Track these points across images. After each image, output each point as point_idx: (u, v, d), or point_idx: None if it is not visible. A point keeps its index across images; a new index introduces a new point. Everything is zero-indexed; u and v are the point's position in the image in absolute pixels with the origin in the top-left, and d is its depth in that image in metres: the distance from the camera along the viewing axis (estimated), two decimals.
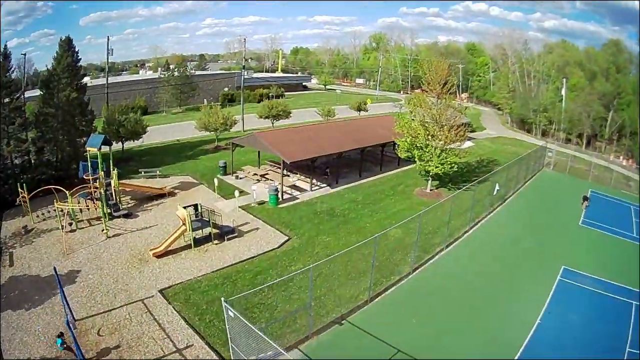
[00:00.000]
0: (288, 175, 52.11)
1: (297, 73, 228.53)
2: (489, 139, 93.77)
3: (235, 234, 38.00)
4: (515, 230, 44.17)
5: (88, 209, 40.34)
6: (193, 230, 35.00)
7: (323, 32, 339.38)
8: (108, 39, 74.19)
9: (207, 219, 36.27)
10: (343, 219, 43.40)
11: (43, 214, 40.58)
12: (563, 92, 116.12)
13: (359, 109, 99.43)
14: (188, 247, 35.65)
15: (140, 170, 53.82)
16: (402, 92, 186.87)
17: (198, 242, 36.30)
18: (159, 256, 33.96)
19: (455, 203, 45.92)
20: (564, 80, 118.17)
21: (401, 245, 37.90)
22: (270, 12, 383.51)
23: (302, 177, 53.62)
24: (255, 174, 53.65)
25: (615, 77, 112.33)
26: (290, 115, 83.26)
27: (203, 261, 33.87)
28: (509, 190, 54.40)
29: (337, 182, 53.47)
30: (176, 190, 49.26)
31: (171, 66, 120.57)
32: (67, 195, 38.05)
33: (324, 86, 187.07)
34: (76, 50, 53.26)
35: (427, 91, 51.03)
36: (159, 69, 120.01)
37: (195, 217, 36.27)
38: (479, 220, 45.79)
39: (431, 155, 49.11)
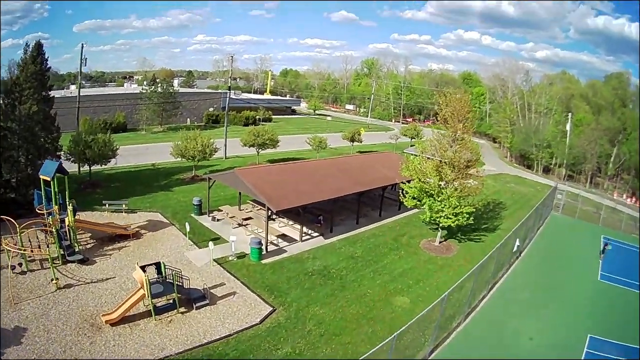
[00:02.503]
0: (273, 220, 44.32)
1: (285, 96, 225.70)
2: (490, 177, 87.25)
3: (207, 301, 30.48)
4: (536, 295, 37.94)
5: (32, 251, 33.36)
6: (153, 296, 27.68)
7: (313, 55, 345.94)
8: (82, 47, 66.54)
9: (170, 281, 28.71)
10: (340, 282, 35.99)
11: None
12: (568, 127, 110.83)
13: (352, 140, 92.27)
14: (148, 313, 28.60)
15: (104, 202, 46.68)
16: (393, 121, 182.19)
17: (160, 309, 29.13)
18: (114, 324, 27.30)
19: (466, 259, 42.10)
20: (569, 115, 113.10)
21: (411, 319, 29.96)
22: (262, 32, 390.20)
23: (290, 223, 46.36)
24: (233, 217, 46.38)
25: (621, 111, 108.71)
26: (278, 144, 75.47)
27: (166, 336, 26.84)
28: (523, 241, 47.81)
29: (332, 231, 46.12)
30: (142, 231, 41.94)
31: (157, 80, 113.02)
32: (17, 229, 32.97)
33: (313, 111, 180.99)
34: (46, 57, 47.25)
35: (443, 128, 43.83)
36: (144, 82, 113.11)
37: (157, 279, 28.65)
38: (496, 282, 39.10)
39: (444, 205, 42.06)
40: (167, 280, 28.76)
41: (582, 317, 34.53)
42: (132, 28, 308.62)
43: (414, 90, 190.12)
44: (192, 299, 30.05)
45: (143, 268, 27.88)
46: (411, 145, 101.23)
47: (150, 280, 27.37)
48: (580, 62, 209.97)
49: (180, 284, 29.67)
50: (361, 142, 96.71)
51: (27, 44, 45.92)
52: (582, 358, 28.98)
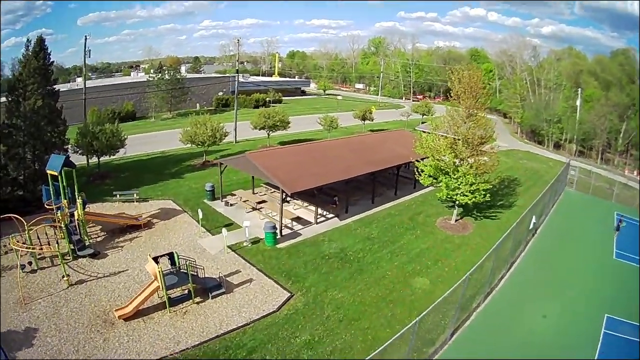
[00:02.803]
0: (288, 202, 43.29)
1: (294, 77, 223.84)
2: (502, 153, 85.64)
3: (223, 290, 29.66)
4: (552, 273, 36.91)
5: (42, 249, 32.53)
6: (167, 288, 26.84)
7: (320, 35, 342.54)
8: (85, 39, 65.69)
9: (185, 271, 27.89)
10: (357, 265, 35.05)
11: (5, 245, 33.86)
12: (578, 102, 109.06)
13: (363, 118, 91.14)
14: (162, 305, 27.85)
15: (115, 192, 46.06)
16: (404, 98, 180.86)
17: (175, 301, 28.35)
18: (127, 318, 26.47)
19: (482, 237, 41.25)
20: (579, 90, 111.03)
21: (431, 301, 28.81)
22: (268, 15, 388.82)
23: (304, 205, 45.50)
24: (247, 201, 45.56)
25: (630, 87, 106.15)
26: (289, 125, 74.39)
27: (181, 328, 26.06)
28: (539, 218, 46.58)
29: (347, 212, 45.15)
30: (154, 220, 41.20)
31: (163, 67, 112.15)
32: (25, 227, 32.17)
33: (323, 91, 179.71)
34: (49, 51, 46.29)
35: (456, 104, 42.66)
36: (151, 70, 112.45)
37: (171, 269, 27.81)
38: (514, 261, 37.97)
39: (460, 183, 41.03)
40: (181, 270, 28.01)
41: (599, 296, 33.47)
42: (137, 18, 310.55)
43: (423, 67, 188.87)
44: (208, 288, 29.29)
45: (156, 259, 27.14)
46: (422, 122, 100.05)
47: (164, 272, 26.54)
48: (585, 38, 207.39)
49: (195, 273, 28.87)
50: (373, 120, 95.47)
51: (28, 40, 45.24)
52: (600, 339, 28.13)
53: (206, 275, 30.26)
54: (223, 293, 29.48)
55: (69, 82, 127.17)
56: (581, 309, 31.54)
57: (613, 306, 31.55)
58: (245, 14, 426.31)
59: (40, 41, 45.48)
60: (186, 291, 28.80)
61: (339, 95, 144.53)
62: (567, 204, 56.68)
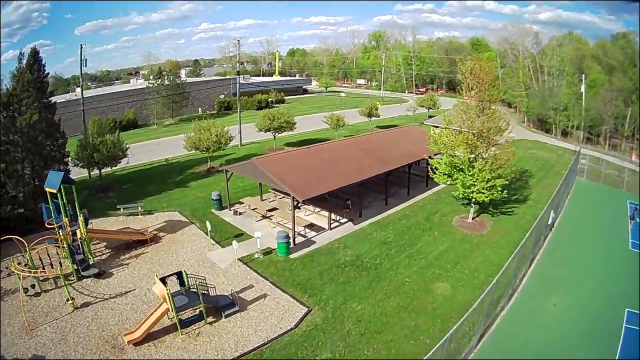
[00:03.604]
0: (299, 208, 41.39)
1: (295, 76, 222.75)
2: (511, 143, 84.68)
3: (236, 308, 28.03)
4: (571, 268, 35.56)
5: (44, 271, 31.12)
6: (177, 310, 25.25)
7: (319, 32, 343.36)
8: (81, 48, 64.33)
9: (195, 290, 26.27)
10: (375, 272, 33.40)
11: (7, 267, 32.64)
12: (583, 88, 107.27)
13: (369, 115, 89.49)
14: (174, 327, 26.20)
15: (119, 206, 44.38)
16: (406, 92, 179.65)
17: (186, 322, 26.73)
18: (137, 343, 24.90)
19: (500, 234, 40.25)
20: (583, 76, 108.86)
21: (453, 308, 28.91)
22: (265, 15, 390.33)
23: (316, 211, 43.87)
24: (256, 209, 43.97)
25: (632, 71, 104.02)
26: (295, 126, 72.72)
27: (195, 352, 24.45)
28: (556, 212, 45.47)
29: (361, 215, 43.46)
30: (161, 234, 39.64)
31: (163, 73, 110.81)
32: (27, 248, 30.47)
33: (325, 89, 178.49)
34: (43, 63, 45.11)
35: (467, 97, 41.12)
36: (151, 77, 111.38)
37: (180, 290, 26.23)
38: (533, 258, 36.47)
39: (475, 180, 39.47)
40: (191, 289, 26.44)
41: (618, 290, 32.19)
42: (134, 24, 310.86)
43: (424, 59, 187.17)
44: (220, 306, 27.67)
45: (163, 280, 25.57)
46: (429, 117, 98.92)
47: (173, 293, 24.99)
48: (583, 23, 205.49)
49: (206, 292, 27.31)
50: (379, 116, 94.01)
51: (21, 52, 43.94)
52: (622, 334, 27.07)
53: (218, 293, 28.67)
54: (237, 311, 27.89)
55: (68, 92, 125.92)
56: (601, 304, 30.55)
57: (632, 299, 30.53)
58: (243, 15, 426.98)
59: (35, 53, 44.38)
60: (197, 311, 27.16)
61: (342, 92, 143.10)
62: (580, 194, 55.32)
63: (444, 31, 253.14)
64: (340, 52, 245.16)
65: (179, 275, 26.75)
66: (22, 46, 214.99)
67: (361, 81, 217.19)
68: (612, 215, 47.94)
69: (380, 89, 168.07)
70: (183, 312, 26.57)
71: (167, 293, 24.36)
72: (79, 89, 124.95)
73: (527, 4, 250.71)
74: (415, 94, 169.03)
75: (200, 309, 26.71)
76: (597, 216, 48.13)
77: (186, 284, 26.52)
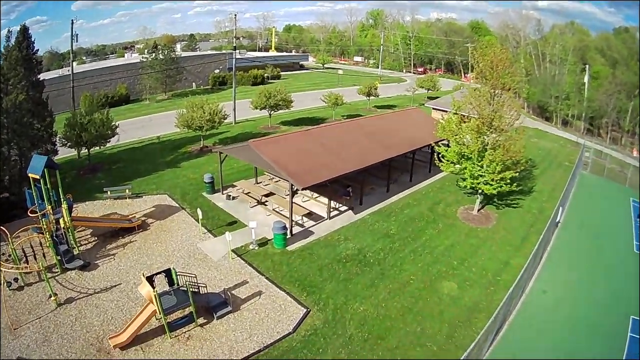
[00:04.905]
0: (296, 193, 38.99)
1: (291, 51, 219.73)
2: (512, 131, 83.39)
3: (229, 308, 25.89)
4: (578, 271, 34.14)
5: (27, 266, 28.94)
6: (166, 312, 23.08)
7: (316, 9, 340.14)
8: (72, 23, 61.86)
9: (184, 288, 24.01)
10: (378, 268, 31.30)
11: None
12: (586, 79, 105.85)
13: (368, 94, 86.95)
14: (162, 329, 24.18)
15: (105, 189, 41.96)
16: (404, 71, 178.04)
17: (176, 325, 24.59)
18: (124, 347, 22.96)
19: (507, 229, 38.76)
20: (587, 67, 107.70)
21: (461, 310, 27.30)
22: None
23: (314, 197, 41.70)
24: (250, 193, 41.82)
25: (636, 65, 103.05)
26: (292, 105, 70.12)
27: (185, 358, 22.54)
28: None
29: (361, 203, 41.27)
30: (149, 220, 37.30)
31: (158, 47, 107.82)
32: (9, 239, 28.83)
33: (322, 65, 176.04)
34: (32, 40, 43.14)
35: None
36: (146, 51, 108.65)
37: (167, 291, 23.81)
38: (541, 257, 34.77)
39: (485, 171, 37.52)
40: (180, 288, 24.14)
41: (623, 296, 30.74)
42: None
43: (423, 40, 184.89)
44: (212, 306, 25.58)
45: (150, 279, 23.35)
46: (428, 97, 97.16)
47: (160, 293, 22.72)
48: (582, 13, 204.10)
49: (197, 290, 25.22)
50: (378, 96, 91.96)
51: (9, 30, 42.26)
52: (627, 343, 26.00)
53: (209, 291, 26.60)
54: (230, 312, 25.77)
55: (62, 67, 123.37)
56: (606, 310, 29.29)
57: (637, 307, 29.28)
58: None
59: (24, 30, 42.41)
60: (187, 311, 24.96)
61: (339, 69, 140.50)
62: (584, 189, 53.83)
63: (441, 12, 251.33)
64: (338, 30, 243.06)
65: (167, 273, 24.44)
66: (19, 23, 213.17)
67: (358, 58, 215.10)
68: (616, 213, 46.80)
69: (378, 67, 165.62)
70: (172, 312, 24.37)
71: (154, 295, 22.14)
72: (74, 63, 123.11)
73: None
74: (413, 73, 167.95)
75: (191, 310, 24.48)
76: (602, 214, 46.85)
77: (175, 282, 24.22)
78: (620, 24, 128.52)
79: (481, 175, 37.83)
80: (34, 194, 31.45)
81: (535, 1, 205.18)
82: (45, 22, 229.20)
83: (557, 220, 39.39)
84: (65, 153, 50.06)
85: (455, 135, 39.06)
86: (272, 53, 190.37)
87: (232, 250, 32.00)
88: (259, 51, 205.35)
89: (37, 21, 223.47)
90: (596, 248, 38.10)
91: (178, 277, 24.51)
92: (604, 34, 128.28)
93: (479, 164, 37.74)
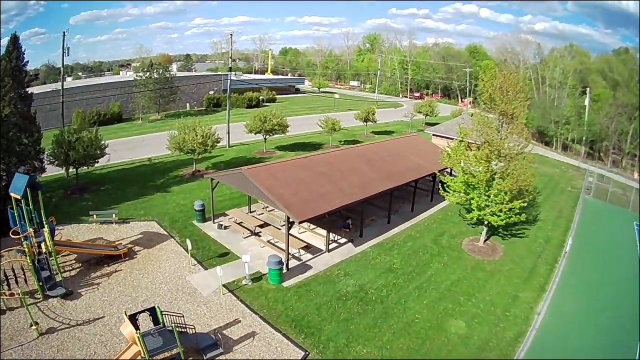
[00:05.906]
0: (291, 224, 36.85)
1: (287, 74, 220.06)
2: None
3: (220, 350, 23.59)
4: (588, 301, 33.23)
5: (6, 292, 27.10)
6: (151, 354, 20.68)
7: (312, 33, 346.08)
8: (64, 36, 59.81)
9: (170, 328, 21.68)
10: (382, 307, 29.11)
11: None
12: (587, 102, 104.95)
13: (366, 120, 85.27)
14: None
15: (91, 212, 39.73)
16: (401, 96, 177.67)
17: None
18: None
19: (514, 261, 37.40)
20: (587, 90, 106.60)
21: (470, 351, 25.51)
22: (259, 13, 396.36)
23: (311, 228, 39.48)
24: (242, 223, 39.63)
25: (636, 87, 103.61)
26: (288, 130, 68.31)
27: None
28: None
29: (362, 235, 39.13)
30: (136, 248, 35.11)
31: (153, 65, 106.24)
32: None
33: (318, 89, 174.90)
34: (22, 51, 41.85)
35: (487, 109, 37.28)
36: (142, 69, 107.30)
37: (151, 331, 21.31)
38: (549, 289, 33.41)
39: (491, 201, 35.98)
40: (167, 328, 21.84)
41: (631, 323, 29.37)
42: (128, 16, 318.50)
43: (419, 64, 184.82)
44: (202, 348, 23.32)
45: (133, 318, 21.06)
46: (426, 124, 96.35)
47: (144, 333, 20.44)
48: (579, 35, 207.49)
49: (184, 329, 23.01)
50: (375, 122, 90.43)
51: None
52: None
53: (199, 331, 24.32)
54: (221, 354, 23.46)
55: (57, 81, 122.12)
56: (616, 339, 28.67)
57: None
58: (237, 12, 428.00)
59: (14, 40, 41.16)
60: (174, 351, 22.59)
61: (335, 93, 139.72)
62: (589, 214, 52.66)
63: (438, 37, 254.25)
64: (334, 54, 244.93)
65: (151, 311, 22.16)
66: (17, 33, 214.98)
67: (354, 83, 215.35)
68: (621, 239, 46.19)
69: (374, 92, 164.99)
70: (158, 355, 21.96)
71: (138, 336, 19.87)
72: (69, 78, 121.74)
73: (522, 13, 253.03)
74: (410, 98, 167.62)
75: (178, 351, 22.16)
76: (608, 241, 45.90)
77: (161, 322, 21.93)
78: (618, 45, 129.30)
79: (487, 206, 36.13)
80: (15, 214, 29.70)
81: (532, 25, 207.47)
82: (43, 34, 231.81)
83: (566, 249, 38.79)
84: (53, 171, 48.24)
85: (462, 164, 37.12)
86: (268, 76, 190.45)
87: (224, 285, 29.70)
88: (255, 74, 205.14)
89: (35, 32, 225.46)
90: (603, 276, 37.57)
91: (164, 316, 22.20)
92: (604, 55, 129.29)
93: (487, 193, 36.01)
